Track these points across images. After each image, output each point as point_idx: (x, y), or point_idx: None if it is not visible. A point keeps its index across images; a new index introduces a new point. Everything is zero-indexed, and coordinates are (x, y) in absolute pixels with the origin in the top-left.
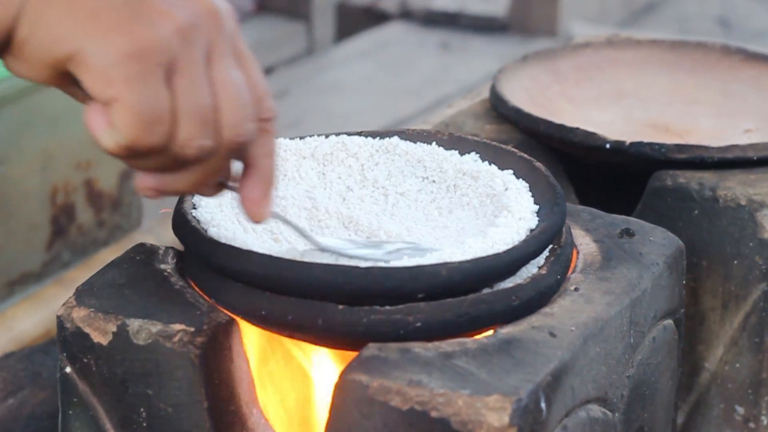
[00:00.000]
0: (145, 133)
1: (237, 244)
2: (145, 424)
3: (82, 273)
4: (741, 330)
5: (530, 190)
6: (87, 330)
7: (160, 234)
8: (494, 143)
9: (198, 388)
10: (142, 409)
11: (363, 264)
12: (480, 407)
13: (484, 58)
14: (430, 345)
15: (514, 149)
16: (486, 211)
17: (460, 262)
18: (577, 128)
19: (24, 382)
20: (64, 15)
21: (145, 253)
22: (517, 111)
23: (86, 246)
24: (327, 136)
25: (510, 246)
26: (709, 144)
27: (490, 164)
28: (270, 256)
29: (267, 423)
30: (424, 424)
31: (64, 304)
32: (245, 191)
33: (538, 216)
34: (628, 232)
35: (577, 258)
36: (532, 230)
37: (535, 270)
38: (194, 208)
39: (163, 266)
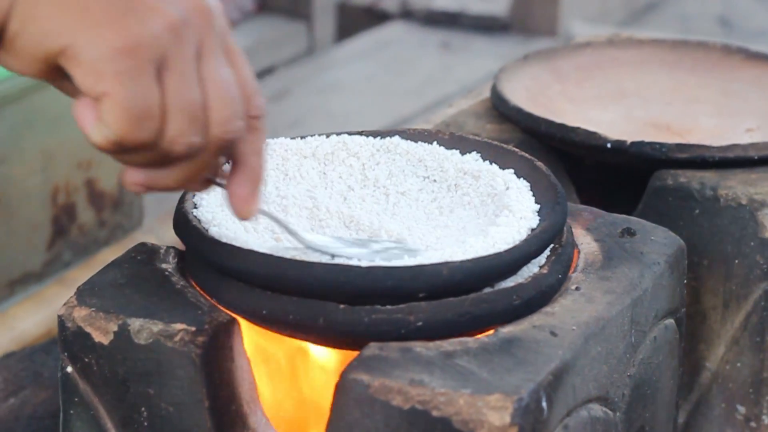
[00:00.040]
0: (135, 129)
1: (238, 244)
2: (146, 424)
3: (83, 273)
4: (742, 329)
5: (531, 190)
6: (88, 329)
7: (161, 234)
8: (495, 143)
9: (199, 388)
10: (143, 409)
11: (363, 263)
12: (481, 406)
13: (485, 58)
14: (431, 344)
15: (515, 149)
16: (487, 210)
17: (462, 262)
18: (578, 128)
19: (25, 381)
20: (55, 9)
21: (146, 253)
22: (518, 110)
23: (87, 246)
24: (328, 136)
25: (511, 245)
26: (710, 143)
27: (491, 164)
28: (271, 256)
29: (268, 422)
30: (426, 424)
31: (65, 304)
32: (233, 188)
33: (539, 215)
34: (629, 232)
35: (578, 257)
36: (533, 229)
37: (536, 269)
38: (195, 208)
39: (164, 266)
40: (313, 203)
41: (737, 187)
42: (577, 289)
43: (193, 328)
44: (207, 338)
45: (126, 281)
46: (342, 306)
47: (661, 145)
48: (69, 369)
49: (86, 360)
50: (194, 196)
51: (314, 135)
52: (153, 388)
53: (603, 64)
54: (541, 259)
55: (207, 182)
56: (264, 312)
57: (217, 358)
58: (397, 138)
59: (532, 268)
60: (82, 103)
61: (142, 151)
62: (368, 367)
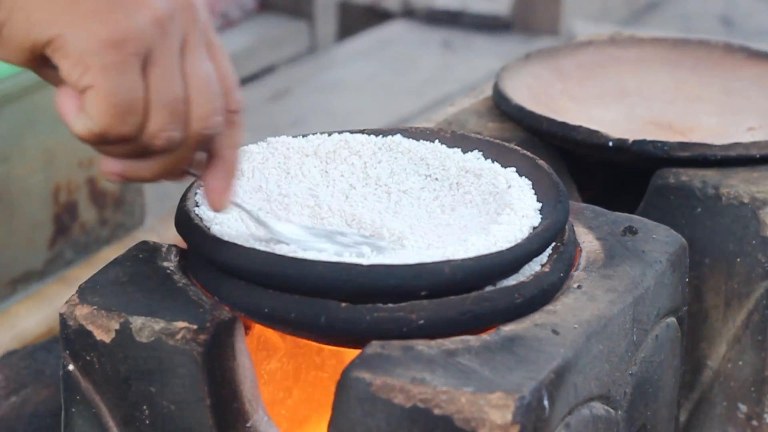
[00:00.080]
0: (118, 122)
1: (240, 242)
2: (147, 422)
3: (84, 271)
4: (744, 328)
5: (533, 188)
6: (90, 328)
7: (162, 232)
8: (497, 141)
9: (201, 386)
10: (144, 407)
11: (365, 262)
12: (483, 405)
13: (486, 57)
14: (433, 343)
15: (516, 147)
16: (489, 208)
17: (463, 260)
18: (580, 126)
19: (27, 379)
20: (43, 0)
21: (147, 251)
22: (520, 109)
23: (89, 244)
24: (330, 134)
25: (513, 244)
26: (712, 142)
27: (492, 162)
28: (273, 254)
29: (270, 420)
30: (427, 422)
31: (66, 302)
32: (208, 180)
33: (540, 214)
34: (631, 230)
35: (580, 256)
36: (534, 228)
37: (538, 268)
38: (197, 206)
39: (165, 264)
40: (315, 201)
41: (739, 185)
42: (578, 287)
43: (195, 327)
44: (209, 336)
45: (128, 279)
46: (344, 304)
47: (663, 143)
48: (71, 367)
49: (88, 358)
50: (196, 194)
51: (316, 133)
52: (154, 386)
53: (605, 62)
54: (543, 257)
55: (182, 173)
56: (266, 310)
57: (218, 357)
58: (398, 136)
59: (534, 267)
60: (64, 93)
61: (122, 144)
62: (370, 366)
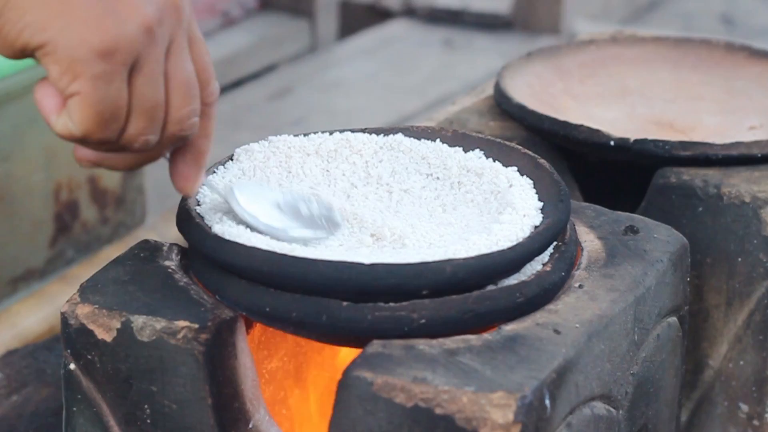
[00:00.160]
0: (99, 129)
1: (241, 241)
2: (149, 421)
3: (85, 270)
4: (745, 327)
5: (534, 187)
6: (91, 327)
7: (163, 231)
8: (498, 140)
9: (202, 385)
10: (146, 406)
11: (366, 261)
12: (484, 404)
13: (487, 56)
14: (434, 342)
15: (518, 146)
16: (490, 207)
17: (465, 259)
18: (582, 125)
19: (28, 379)
20: (37, 1)
21: (149, 250)
22: (522, 108)
23: (90, 243)
24: (331, 133)
25: (514, 243)
26: (714, 141)
27: (494, 161)
28: (274, 253)
29: (271, 419)
30: (429, 421)
31: (68, 301)
32: (178, 166)
33: (542, 213)
34: (632, 230)
35: (582, 255)
36: (536, 227)
37: (539, 267)
38: (198, 205)
39: (167, 263)
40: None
41: (740, 184)
42: (580, 286)
43: (196, 326)
44: (210, 335)
45: (129, 278)
46: (345, 303)
47: (665, 142)
48: (72, 366)
49: (89, 357)
50: (197, 193)
51: (317, 132)
52: (156, 386)
53: (606, 61)
54: (545, 256)
55: (155, 159)
56: (267, 309)
57: (220, 356)
58: (400, 135)
59: (535, 266)
60: (46, 90)
61: (100, 144)
62: (371, 365)
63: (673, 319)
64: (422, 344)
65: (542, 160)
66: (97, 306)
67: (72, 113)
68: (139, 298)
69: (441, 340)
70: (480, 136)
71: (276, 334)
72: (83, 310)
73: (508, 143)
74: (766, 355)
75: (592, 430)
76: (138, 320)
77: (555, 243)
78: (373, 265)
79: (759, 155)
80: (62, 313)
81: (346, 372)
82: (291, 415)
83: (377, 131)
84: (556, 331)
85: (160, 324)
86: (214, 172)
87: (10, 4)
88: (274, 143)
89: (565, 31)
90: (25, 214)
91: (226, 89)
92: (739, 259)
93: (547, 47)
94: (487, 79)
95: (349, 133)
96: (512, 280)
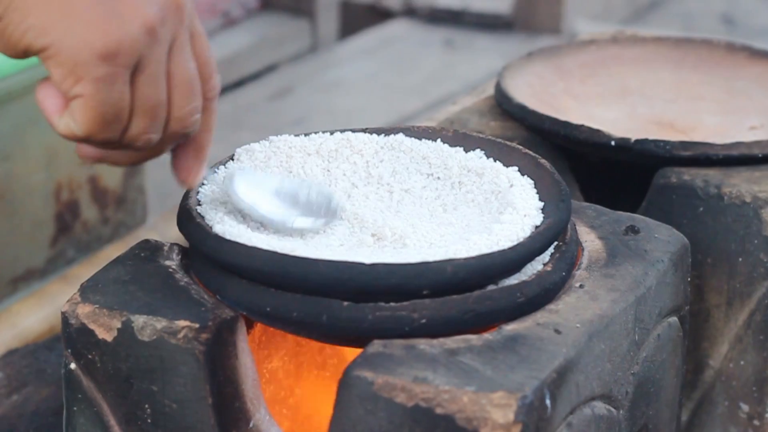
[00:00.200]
0: (102, 130)
1: (242, 241)
2: (149, 421)
3: (86, 270)
4: (746, 327)
5: (535, 187)
6: (92, 326)
7: (164, 230)
8: (499, 140)
9: (202, 385)
10: (146, 406)
11: (366, 261)
12: (485, 404)
13: (488, 56)
14: (435, 342)
15: (518, 146)
16: (491, 207)
17: (466, 259)
18: (582, 125)
19: (28, 378)
20: (39, 3)
21: (149, 250)
22: (522, 108)
23: (90, 243)
24: (332, 133)
25: (515, 243)
26: (714, 141)
27: (495, 161)
28: (275, 253)
29: (272, 419)
30: (429, 421)
31: (68, 301)
32: (180, 159)
33: (543, 213)
34: (633, 229)
35: (582, 255)
36: (537, 227)
37: (540, 267)
38: (199, 205)
39: (167, 263)
40: None
41: (741, 184)
42: (581, 286)
43: (197, 325)
44: (210, 335)
45: (129, 278)
46: (346, 303)
47: (665, 142)
48: (72, 366)
49: (90, 357)
50: (198, 193)
51: (318, 132)
52: (156, 385)
53: (607, 61)
54: (545, 256)
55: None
56: (268, 309)
57: (220, 355)
58: (401, 135)
59: (536, 266)
60: (48, 91)
61: (102, 144)
62: (372, 365)
63: (674, 319)
64: (423, 344)
65: (543, 160)
66: (97, 306)
67: (75, 114)
68: (140, 298)
69: (442, 339)
70: (481, 136)
71: (276, 333)
72: (84, 310)
73: (508, 143)
74: (767, 355)
75: (592, 430)
76: (138, 320)
77: (556, 243)
78: (373, 265)
79: (759, 155)
80: (63, 313)
81: (347, 372)
82: (291, 415)
83: (378, 131)
84: (557, 331)
85: (160, 324)
86: (215, 171)
87: (13, 6)
88: (274, 143)
89: (566, 32)
90: (26, 213)
91: (226, 89)
92: (740, 259)
93: (548, 47)
94: (488, 79)
95: (349, 133)
96: (513, 280)
